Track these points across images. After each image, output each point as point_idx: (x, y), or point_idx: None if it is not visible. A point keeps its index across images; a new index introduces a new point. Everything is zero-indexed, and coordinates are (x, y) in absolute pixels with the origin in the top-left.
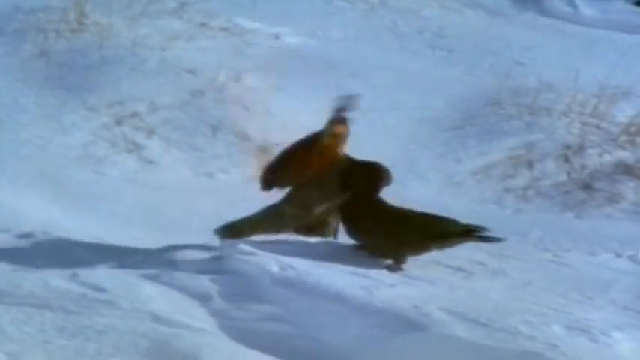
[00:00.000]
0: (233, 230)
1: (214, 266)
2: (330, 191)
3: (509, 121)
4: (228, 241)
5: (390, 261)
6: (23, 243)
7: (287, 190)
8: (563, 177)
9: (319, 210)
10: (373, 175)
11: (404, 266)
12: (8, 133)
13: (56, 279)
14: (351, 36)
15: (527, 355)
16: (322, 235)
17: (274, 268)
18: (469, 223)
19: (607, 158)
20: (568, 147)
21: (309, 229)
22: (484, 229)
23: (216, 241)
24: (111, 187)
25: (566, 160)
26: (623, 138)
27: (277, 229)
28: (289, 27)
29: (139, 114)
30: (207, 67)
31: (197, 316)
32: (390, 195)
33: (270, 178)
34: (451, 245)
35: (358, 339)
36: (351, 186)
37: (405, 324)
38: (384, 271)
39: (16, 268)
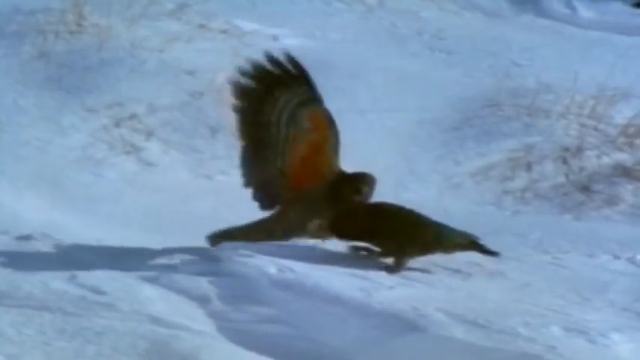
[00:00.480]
0: (224, 237)
1: (213, 268)
2: (318, 207)
3: (507, 122)
4: (227, 244)
5: (389, 261)
6: (22, 245)
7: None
8: (562, 179)
9: (308, 227)
10: (358, 183)
11: (403, 268)
12: (7, 134)
13: (55, 281)
14: (349, 37)
15: (526, 356)
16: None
17: (273, 271)
18: (469, 233)
19: (605, 160)
20: (566, 149)
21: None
22: (482, 242)
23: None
24: (110, 188)
25: (565, 161)
26: (622, 140)
27: (268, 240)
28: (288, 28)
29: (138, 115)
30: (206, 69)
31: (196, 318)
32: (389, 197)
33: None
34: (450, 253)
35: (357, 340)
36: (337, 199)
37: (404, 326)
38: (383, 273)
39: (15, 270)
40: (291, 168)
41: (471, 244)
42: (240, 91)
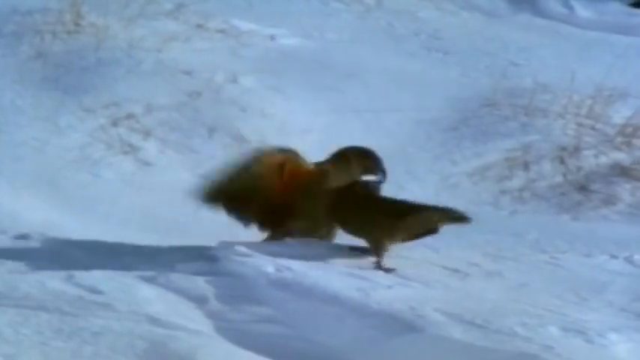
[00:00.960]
0: None
1: (210, 268)
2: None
3: (505, 122)
4: (224, 243)
5: (375, 257)
6: (20, 245)
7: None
8: (559, 178)
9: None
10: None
11: (395, 266)
12: (5, 134)
13: (53, 281)
14: (347, 37)
15: (523, 356)
16: (321, 237)
17: (270, 270)
18: (441, 207)
19: (603, 159)
20: (564, 148)
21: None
22: (454, 211)
23: (212, 242)
24: (107, 188)
25: (562, 161)
26: (619, 139)
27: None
28: (285, 28)
29: (135, 115)
30: (203, 69)
31: (193, 318)
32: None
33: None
34: (417, 226)
35: (354, 341)
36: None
37: (402, 326)
38: (381, 273)
39: (12, 270)
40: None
41: (437, 211)
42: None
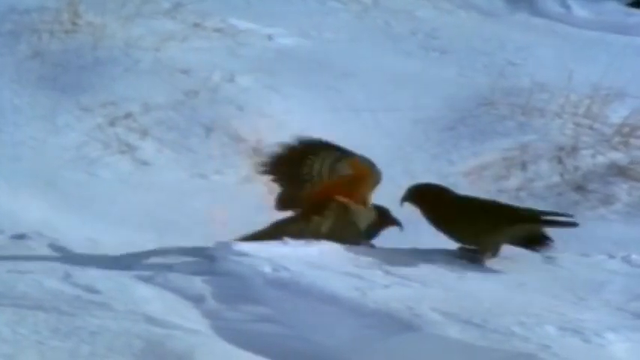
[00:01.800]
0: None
1: (208, 268)
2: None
3: (502, 121)
4: (222, 243)
5: (482, 255)
6: (17, 244)
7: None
8: (557, 178)
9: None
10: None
11: (395, 266)
12: (3, 133)
13: (50, 280)
14: (344, 37)
15: (521, 356)
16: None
17: (267, 270)
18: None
19: (600, 159)
20: (561, 148)
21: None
22: (557, 213)
23: (209, 242)
24: (104, 188)
25: (560, 161)
26: (617, 139)
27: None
28: (283, 27)
29: (133, 114)
30: (200, 68)
31: (191, 318)
32: (384, 196)
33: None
34: (523, 230)
35: (352, 340)
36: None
37: (399, 325)
38: (378, 272)
39: (10, 270)
40: (322, 181)
41: (541, 217)
42: (276, 162)
